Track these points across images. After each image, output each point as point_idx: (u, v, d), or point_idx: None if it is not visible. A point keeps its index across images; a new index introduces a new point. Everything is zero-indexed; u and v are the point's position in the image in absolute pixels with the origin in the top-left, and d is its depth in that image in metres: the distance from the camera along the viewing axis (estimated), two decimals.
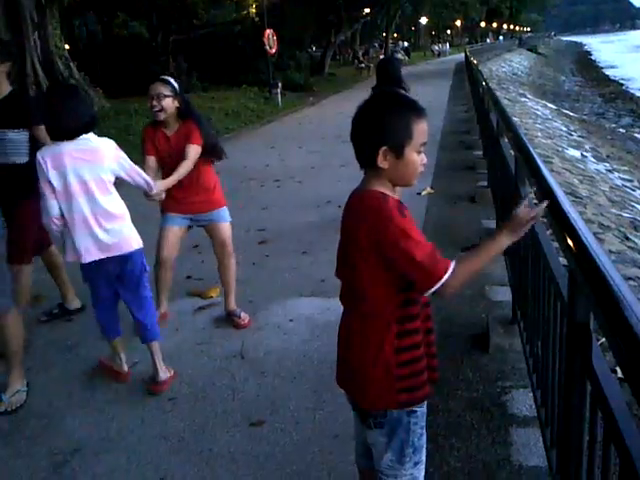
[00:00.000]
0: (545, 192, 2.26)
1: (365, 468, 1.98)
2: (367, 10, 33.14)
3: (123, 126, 12.93)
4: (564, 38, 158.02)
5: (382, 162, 1.65)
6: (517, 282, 3.30)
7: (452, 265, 1.67)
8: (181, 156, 3.60)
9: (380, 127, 1.65)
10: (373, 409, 1.76)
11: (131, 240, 3.07)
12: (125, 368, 3.34)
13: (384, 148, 1.63)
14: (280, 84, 19.10)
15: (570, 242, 1.67)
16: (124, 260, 3.05)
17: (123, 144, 10.86)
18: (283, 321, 3.87)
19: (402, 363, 1.71)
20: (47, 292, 4.57)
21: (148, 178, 3.25)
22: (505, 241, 1.72)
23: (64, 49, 14.40)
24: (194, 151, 3.63)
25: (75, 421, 2.96)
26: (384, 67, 5.42)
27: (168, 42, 20.39)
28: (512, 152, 4.00)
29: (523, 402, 2.85)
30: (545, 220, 2.88)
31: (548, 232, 2.71)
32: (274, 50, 19.41)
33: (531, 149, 2.89)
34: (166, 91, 3.59)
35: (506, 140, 4.56)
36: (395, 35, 59.42)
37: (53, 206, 2.90)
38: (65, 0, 13.88)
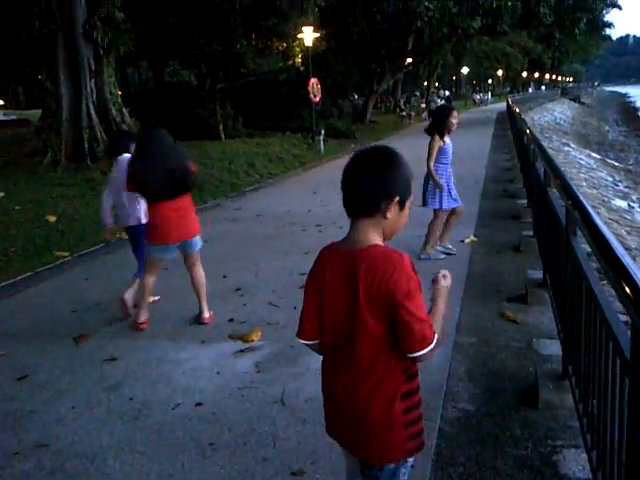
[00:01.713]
0: (599, 242, 2.20)
1: None
2: (409, 60, 33.68)
3: None
4: (607, 88, 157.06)
5: (390, 213, 1.72)
6: (568, 336, 3.20)
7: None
8: None
9: (394, 179, 1.73)
10: (382, 462, 1.82)
11: None
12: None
13: (397, 199, 1.72)
14: (323, 131, 19.44)
15: (631, 295, 1.61)
16: None
17: None
18: None
19: (408, 409, 1.76)
20: (95, 331, 4.66)
21: None
22: (443, 307, 1.85)
23: (117, 96, 15.01)
24: None
25: (116, 462, 2.95)
26: (434, 112, 6.20)
27: (216, 89, 21.03)
28: (561, 202, 3.95)
29: (576, 463, 2.73)
30: (597, 271, 2.82)
31: (602, 283, 2.63)
32: (318, 98, 19.82)
33: (583, 199, 2.84)
34: None
35: (554, 190, 4.51)
36: (437, 84, 60.10)
37: None
38: (122, 49, 14.52)
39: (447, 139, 6.13)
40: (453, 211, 6.26)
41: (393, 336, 1.69)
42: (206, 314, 4.76)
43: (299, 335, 1.92)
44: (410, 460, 1.85)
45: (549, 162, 4.27)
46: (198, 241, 4.78)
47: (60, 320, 5.02)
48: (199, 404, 3.45)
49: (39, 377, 3.94)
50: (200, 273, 4.80)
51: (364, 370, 1.75)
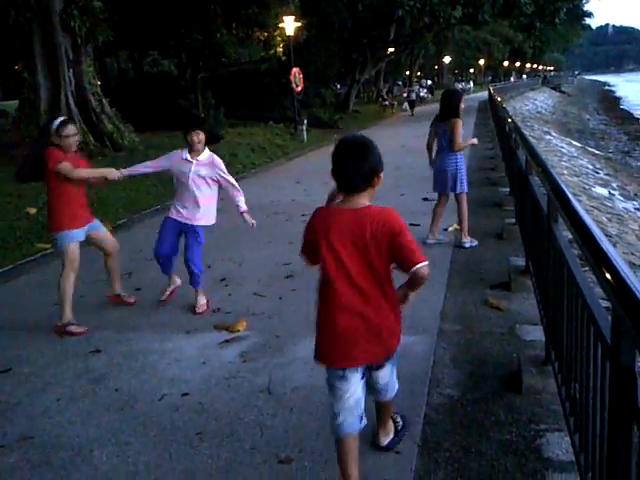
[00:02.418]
0: (580, 229, 2.24)
1: (350, 432, 2.44)
2: (391, 49, 33.62)
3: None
4: (587, 77, 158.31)
5: (377, 183, 2.37)
6: (550, 322, 3.24)
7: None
8: None
9: (379, 159, 2.36)
10: (393, 350, 2.57)
11: None
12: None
13: (381, 174, 2.37)
14: (305, 121, 19.38)
15: (612, 281, 1.64)
16: None
17: (152, 177, 11.00)
18: (310, 357, 3.79)
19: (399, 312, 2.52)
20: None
21: None
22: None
23: (97, 86, 14.81)
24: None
25: (102, 454, 2.94)
26: (446, 97, 6.14)
27: (197, 79, 20.85)
28: (542, 190, 3.99)
29: (559, 446, 2.77)
30: (578, 258, 2.86)
31: (583, 270, 2.67)
32: (300, 88, 19.74)
33: (564, 187, 2.87)
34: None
35: (535, 178, 4.56)
36: (419, 73, 60.12)
37: None
38: (100, 39, 14.31)
39: None
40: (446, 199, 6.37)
41: (391, 264, 2.34)
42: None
43: (302, 252, 2.60)
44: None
45: (531, 150, 4.31)
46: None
47: (43, 313, 4.97)
48: (185, 394, 3.45)
49: (23, 370, 3.90)
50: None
51: (368, 289, 2.35)
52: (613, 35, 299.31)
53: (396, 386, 2.71)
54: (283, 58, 21.12)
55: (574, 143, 26.85)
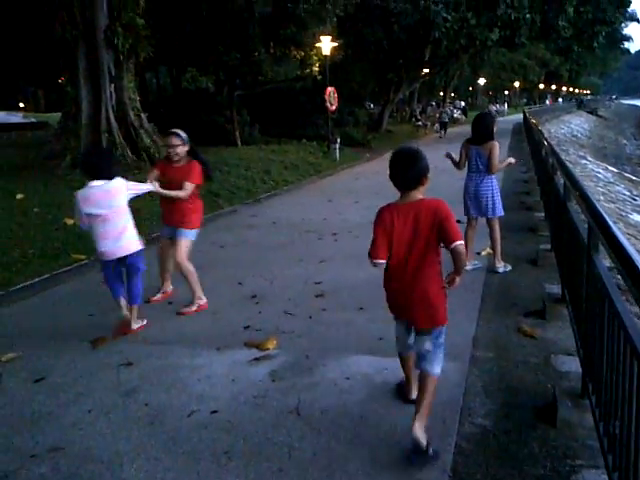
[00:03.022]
0: (623, 260, 2.19)
1: (408, 353, 3.38)
2: (426, 70, 33.67)
3: None
4: (625, 101, 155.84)
5: (425, 183, 3.08)
6: (588, 353, 3.16)
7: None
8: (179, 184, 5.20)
9: (425, 165, 3.06)
10: (437, 325, 3.12)
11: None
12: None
13: (428, 174, 3.08)
14: (339, 139, 19.47)
15: None
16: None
17: None
18: (339, 378, 3.81)
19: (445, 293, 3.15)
20: (108, 335, 4.68)
21: (146, 186, 5.04)
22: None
23: (136, 101, 15.12)
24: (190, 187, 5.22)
25: (131, 468, 2.95)
26: (480, 121, 6.22)
27: (233, 96, 21.15)
28: (581, 217, 3.92)
29: None
30: (619, 287, 2.79)
31: (625, 300, 2.61)
32: (334, 107, 19.87)
33: (606, 216, 2.82)
34: (177, 141, 5.22)
35: (574, 204, 4.48)
36: (452, 94, 60.01)
37: None
38: (141, 55, 14.65)
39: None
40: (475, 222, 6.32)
41: (439, 243, 3.02)
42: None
43: (375, 258, 3.11)
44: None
45: (570, 176, 4.25)
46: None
47: (77, 323, 5.06)
48: (214, 412, 3.46)
49: (56, 380, 3.96)
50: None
51: (422, 268, 3.03)
52: None
53: (440, 365, 3.15)
54: (318, 77, 21.30)
55: (610, 168, 26.41)
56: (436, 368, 3.09)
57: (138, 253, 4.84)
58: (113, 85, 14.23)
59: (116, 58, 14.12)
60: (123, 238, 4.70)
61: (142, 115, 15.15)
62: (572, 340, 4.10)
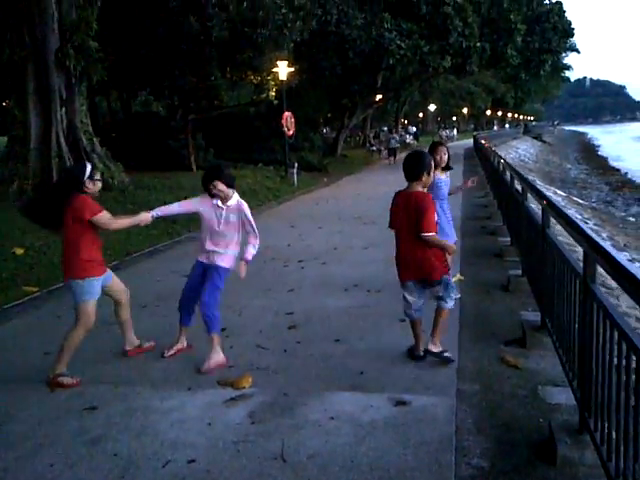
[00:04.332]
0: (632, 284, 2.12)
1: (417, 318, 4.42)
2: (379, 96, 34.16)
3: (143, 201, 12.97)
4: (566, 127, 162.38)
5: (425, 177, 4.25)
6: (586, 387, 3.04)
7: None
8: None
9: (427, 164, 4.24)
10: (438, 276, 4.23)
11: None
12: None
13: (427, 171, 4.24)
14: (296, 164, 19.38)
15: None
16: None
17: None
18: (323, 419, 3.59)
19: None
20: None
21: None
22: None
23: (88, 125, 14.66)
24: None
25: None
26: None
27: (187, 120, 20.85)
28: (566, 245, 3.85)
29: None
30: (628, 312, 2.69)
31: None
32: (292, 132, 19.82)
33: (603, 242, 2.73)
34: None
35: (553, 230, 4.43)
36: (404, 120, 61.13)
37: None
38: (94, 78, 14.25)
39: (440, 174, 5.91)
40: None
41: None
42: None
43: (390, 226, 4.42)
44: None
45: (550, 204, 4.19)
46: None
47: (32, 363, 4.67)
48: (191, 461, 3.18)
49: (12, 429, 3.60)
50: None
51: (416, 239, 4.15)
52: (590, 88, 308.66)
53: (451, 302, 4.37)
54: (275, 102, 21.24)
55: (559, 192, 27.16)
56: (449, 303, 4.34)
57: None
58: (64, 108, 13.77)
59: (67, 81, 13.70)
60: None
61: (94, 139, 14.71)
62: (557, 369, 4.02)
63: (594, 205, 26.24)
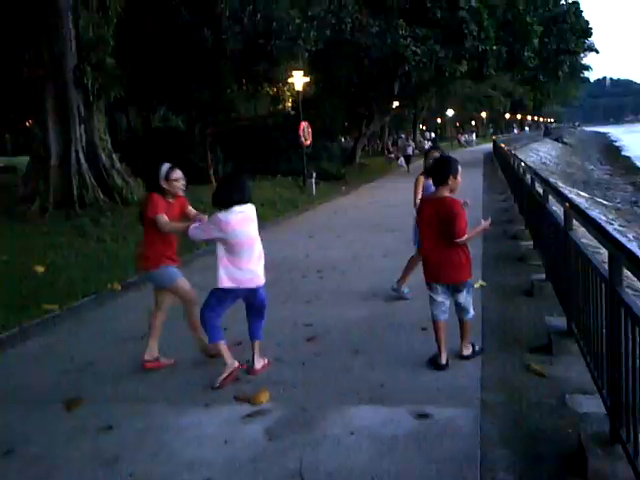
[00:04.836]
0: None
1: (442, 320, 4.43)
2: (396, 103, 34.03)
3: None
4: (587, 128, 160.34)
5: (452, 181, 4.33)
6: (616, 395, 2.90)
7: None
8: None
9: (453, 168, 4.34)
10: (464, 280, 4.40)
11: None
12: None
13: (453, 174, 4.32)
14: (314, 174, 19.33)
15: None
16: None
17: None
18: (343, 434, 3.48)
19: (468, 257, 4.41)
20: (88, 395, 4.28)
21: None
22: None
23: (107, 141, 14.81)
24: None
25: None
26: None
27: (205, 134, 20.97)
28: (591, 248, 3.71)
29: None
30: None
31: None
32: (309, 142, 19.78)
33: (631, 246, 2.60)
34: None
35: (577, 234, 4.29)
36: (422, 126, 60.87)
37: None
38: (111, 95, 14.40)
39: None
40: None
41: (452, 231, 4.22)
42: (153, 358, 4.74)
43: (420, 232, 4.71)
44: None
45: (573, 205, 4.05)
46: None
47: (49, 382, 4.63)
48: None
49: (27, 451, 3.54)
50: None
51: (444, 243, 4.28)
52: (611, 87, 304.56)
53: (472, 312, 4.49)
54: (291, 112, 21.25)
55: (582, 194, 26.75)
56: (469, 313, 4.46)
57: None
58: (83, 126, 13.94)
59: (85, 98, 13.86)
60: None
61: (113, 156, 14.84)
62: (585, 377, 3.86)
63: (619, 206, 25.78)
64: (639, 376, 2.51)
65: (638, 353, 2.51)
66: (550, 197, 5.95)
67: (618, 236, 2.81)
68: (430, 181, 6.11)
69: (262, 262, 4.52)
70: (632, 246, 2.60)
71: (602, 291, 3.11)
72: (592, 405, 3.56)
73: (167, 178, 4.62)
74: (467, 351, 4.52)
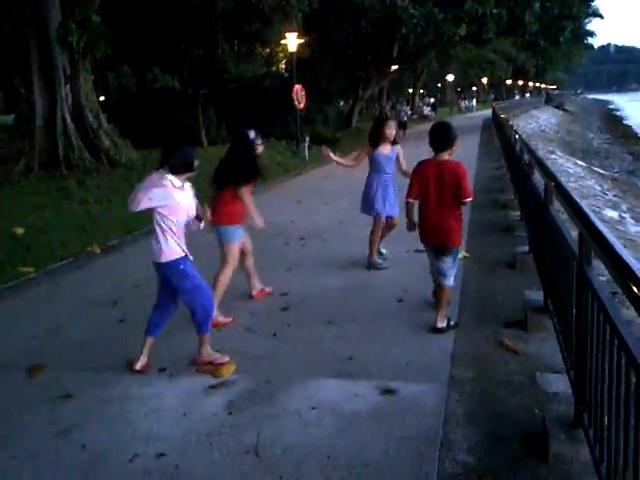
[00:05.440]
0: (623, 273, 1.86)
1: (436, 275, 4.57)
2: (395, 67, 33.41)
3: None
4: (590, 96, 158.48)
5: (452, 147, 4.40)
6: (581, 376, 2.81)
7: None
8: None
9: (453, 135, 4.43)
10: (454, 246, 4.45)
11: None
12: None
13: (454, 143, 4.41)
14: (308, 138, 19.03)
15: None
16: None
17: None
18: (304, 408, 3.40)
19: (461, 221, 4.52)
20: (52, 361, 4.18)
21: None
22: None
23: (94, 101, 14.50)
24: None
25: None
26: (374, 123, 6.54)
27: (198, 95, 20.57)
28: (567, 223, 3.58)
29: None
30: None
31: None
32: (302, 105, 19.42)
33: (601, 226, 2.46)
34: None
35: (556, 207, 4.15)
36: (421, 91, 60.01)
37: None
38: (98, 54, 14.02)
39: (383, 149, 6.19)
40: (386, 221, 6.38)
41: (456, 194, 4.31)
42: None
43: (407, 197, 4.52)
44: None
45: (552, 178, 3.90)
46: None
47: (16, 347, 4.55)
48: (161, 454, 3.01)
49: None
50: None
51: (444, 207, 4.35)
52: (615, 54, 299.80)
53: (452, 280, 4.52)
54: (286, 74, 20.83)
55: (579, 163, 26.47)
56: (450, 280, 4.48)
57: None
58: (69, 85, 13.61)
59: (71, 57, 13.51)
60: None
61: (101, 116, 14.55)
62: (558, 355, 3.76)
63: (616, 175, 25.52)
64: (601, 362, 2.41)
65: (602, 337, 2.39)
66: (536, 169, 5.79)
67: (590, 213, 2.67)
68: (382, 150, 6.20)
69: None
70: (601, 226, 2.46)
71: (573, 270, 2.99)
72: (561, 385, 3.48)
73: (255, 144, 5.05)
74: (442, 324, 4.43)
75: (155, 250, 3.87)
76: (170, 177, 3.85)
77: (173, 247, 3.86)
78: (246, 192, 4.91)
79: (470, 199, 4.33)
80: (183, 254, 3.92)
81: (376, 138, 6.19)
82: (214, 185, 5.10)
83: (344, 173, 15.57)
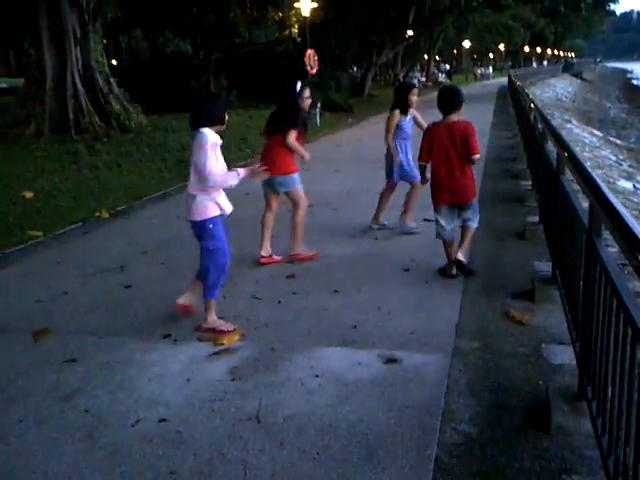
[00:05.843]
0: (632, 245, 1.81)
1: (450, 238, 4.83)
2: (410, 32, 32.75)
3: (158, 143, 12.73)
4: (610, 64, 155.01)
5: (459, 110, 4.74)
6: (585, 349, 2.77)
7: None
8: None
9: (461, 98, 4.78)
10: (472, 199, 4.82)
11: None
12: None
13: (461, 105, 4.78)
14: (319, 104, 18.79)
15: None
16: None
17: (157, 161, 10.57)
18: (307, 377, 3.40)
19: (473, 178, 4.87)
20: (57, 325, 4.21)
21: None
22: None
23: (105, 64, 14.36)
24: None
25: None
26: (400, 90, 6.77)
27: (210, 60, 20.31)
28: (579, 194, 3.50)
29: None
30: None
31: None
32: (314, 70, 19.15)
33: (612, 198, 2.39)
34: None
35: (568, 178, 4.06)
36: (437, 57, 58.95)
37: None
38: (108, 16, 13.83)
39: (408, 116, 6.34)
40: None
41: (467, 150, 4.61)
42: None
43: (419, 160, 4.88)
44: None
45: (565, 147, 3.81)
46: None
47: (21, 311, 4.57)
48: (163, 420, 3.03)
49: None
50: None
51: (457, 166, 4.64)
52: (637, 22, 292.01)
53: (477, 221, 4.89)
54: (298, 40, 20.48)
55: (595, 132, 26.00)
56: (475, 223, 4.84)
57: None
58: (79, 48, 13.47)
59: (81, 19, 13.35)
60: None
61: (111, 80, 14.43)
62: (564, 326, 3.72)
63: (632, 146, 25.06)
64: (607, 335, 2.36)
65: (608, 309, 2.34)
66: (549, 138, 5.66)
67: (601, 184, 2.59)
68: (406, 118, 6.30)
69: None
70: (612, 198, 2.39)
71: (582, 241, 2.92)
72: (566, 356, 3.44)
73: (301, 96, 5.26)
74: (464, 258, 4.75)
75: (190, 207, 3.93)
76: (209, 135, 3.86)
77: (209, 205, 3.91)
78: (291, 137, 5.19)
79: (478, 156, 4.62)
80: (218, 213, 3.95)
81: (404, 105, 6.29)
82: (266, 133, 5.49)
83: (356, 141, 15.44)
